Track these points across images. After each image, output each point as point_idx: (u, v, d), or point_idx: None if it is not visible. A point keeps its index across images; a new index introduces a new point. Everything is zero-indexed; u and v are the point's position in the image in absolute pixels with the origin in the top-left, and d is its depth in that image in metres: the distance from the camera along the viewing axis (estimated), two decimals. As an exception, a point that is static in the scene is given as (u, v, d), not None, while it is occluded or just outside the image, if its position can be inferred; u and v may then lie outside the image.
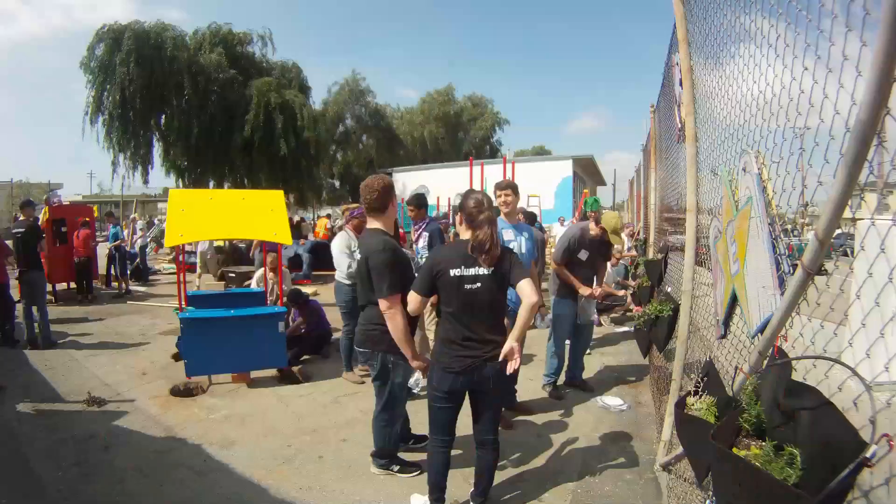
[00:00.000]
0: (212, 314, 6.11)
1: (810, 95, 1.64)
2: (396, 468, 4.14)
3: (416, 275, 3.53)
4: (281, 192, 7.54)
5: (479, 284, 3.24)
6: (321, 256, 13.80)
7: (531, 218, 7.72)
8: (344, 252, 6.02)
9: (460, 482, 3.97)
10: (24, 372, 6.57)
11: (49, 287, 10.89)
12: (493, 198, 3.97)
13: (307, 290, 10.29)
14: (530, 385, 6.04)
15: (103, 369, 6.70)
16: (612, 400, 5.69)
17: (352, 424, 5.08)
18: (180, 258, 7.45)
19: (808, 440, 1.44)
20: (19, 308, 7.88)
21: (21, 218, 9.20)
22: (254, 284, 8.51)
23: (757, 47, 2.17)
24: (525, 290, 3.18)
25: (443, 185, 24.63)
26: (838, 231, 1.58)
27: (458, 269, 3.25)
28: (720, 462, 1.68)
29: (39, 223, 12.10)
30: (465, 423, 3.60)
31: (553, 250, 6.16)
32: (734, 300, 2.52)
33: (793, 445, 1.48)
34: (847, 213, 1.51)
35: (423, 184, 29.71)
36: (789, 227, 2.29)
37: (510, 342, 3.16)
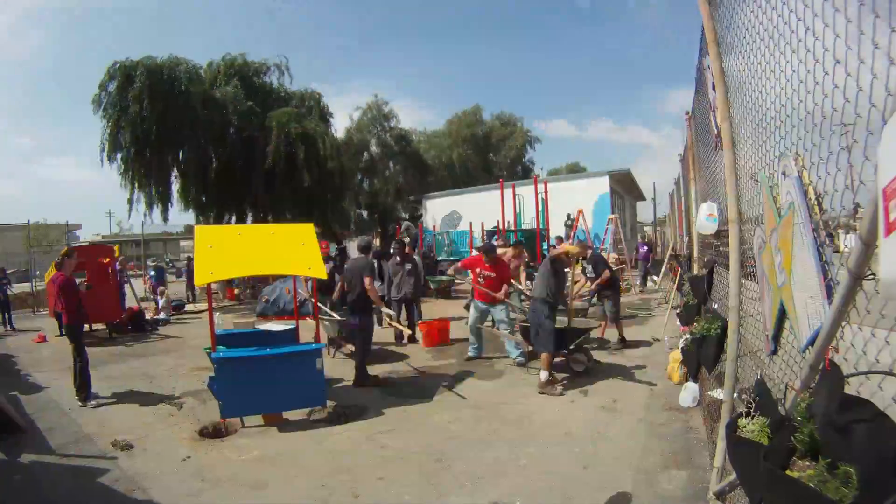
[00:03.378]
0: (247, 353, 6.19)
1: (844, 89, 1.62)
2: None
3: None
4: (311, 225, 7.65)
5: None
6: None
7: None
8: None
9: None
10: (46, 415, 6.74)
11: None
12: None
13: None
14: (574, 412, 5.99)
15: (129, 411, 6.84)
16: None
17: (389, 462, 5.07)
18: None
19: (863, 456, 1.40)
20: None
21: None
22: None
23: (787, 43, 2.16)
24: None
25: (475, 209, 24.68)
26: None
27: None
28: (772, 485, 1.64)
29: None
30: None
31: None
32: (783, 313, 2.47)
33: (848, 463, 1.44)
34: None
35: (455, 209, 29.83)
36: (840, 230, 2.26)
37: None
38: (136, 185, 20.96)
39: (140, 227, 27.24)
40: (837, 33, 1.63)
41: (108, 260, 13.30)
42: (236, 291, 20.68)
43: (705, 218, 5.08)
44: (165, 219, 22.46)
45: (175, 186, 22.49)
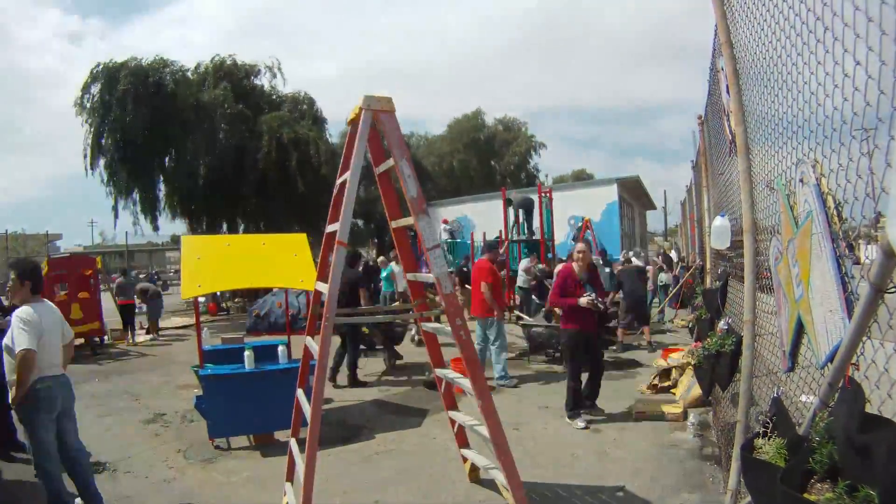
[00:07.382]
0: (237, 370, 6.16)
1: (865, 92, 1.62)
2: None
3: None
4: (304, 236, 7.65)
5: None
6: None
7: None
8: None
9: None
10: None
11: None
12: None
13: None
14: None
15: (113, 431, 6.81)
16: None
17: (386, 484, 5.05)
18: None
19: (885, 478, 1.40)
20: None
21: None
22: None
23: (804, 43, 2.17)
24: None
25: (478, 218, 24.59)
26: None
27: None
28: (790, 509, 1.64)
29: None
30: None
31: None
32: (800, 327, 2.47)
33: (869, 485, 1.44)
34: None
35: (455, 218, 29.75)
36: (861, 241, 2.25)
37: None
38: (121, 192, 20.86)
39: (124, 238, 27.09)
40: (858, 33, 1.63)
41: (90, 272, 13.27)
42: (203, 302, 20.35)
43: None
44: (155, 228, 22.38)
45: (162, 194, 22.40)
